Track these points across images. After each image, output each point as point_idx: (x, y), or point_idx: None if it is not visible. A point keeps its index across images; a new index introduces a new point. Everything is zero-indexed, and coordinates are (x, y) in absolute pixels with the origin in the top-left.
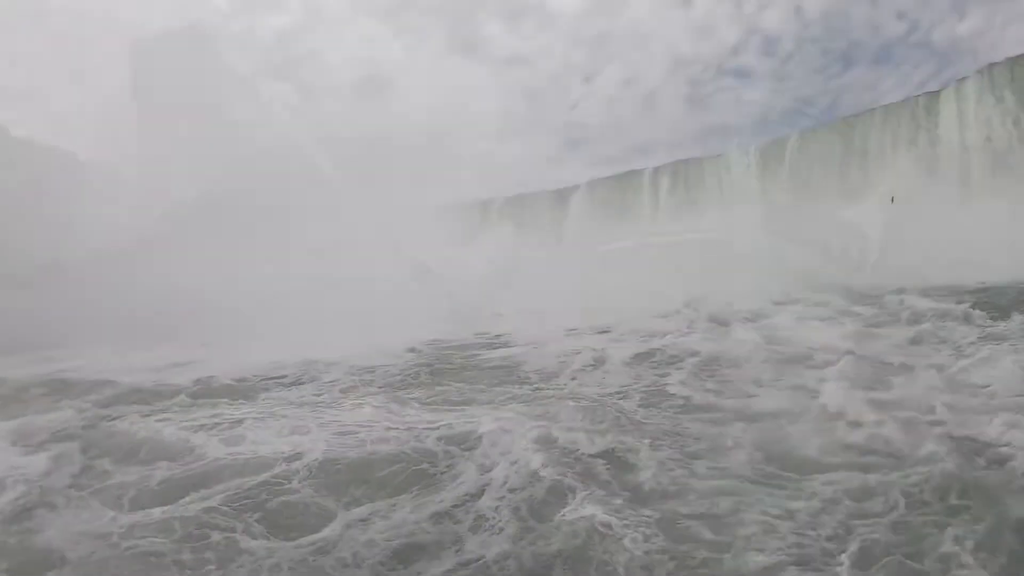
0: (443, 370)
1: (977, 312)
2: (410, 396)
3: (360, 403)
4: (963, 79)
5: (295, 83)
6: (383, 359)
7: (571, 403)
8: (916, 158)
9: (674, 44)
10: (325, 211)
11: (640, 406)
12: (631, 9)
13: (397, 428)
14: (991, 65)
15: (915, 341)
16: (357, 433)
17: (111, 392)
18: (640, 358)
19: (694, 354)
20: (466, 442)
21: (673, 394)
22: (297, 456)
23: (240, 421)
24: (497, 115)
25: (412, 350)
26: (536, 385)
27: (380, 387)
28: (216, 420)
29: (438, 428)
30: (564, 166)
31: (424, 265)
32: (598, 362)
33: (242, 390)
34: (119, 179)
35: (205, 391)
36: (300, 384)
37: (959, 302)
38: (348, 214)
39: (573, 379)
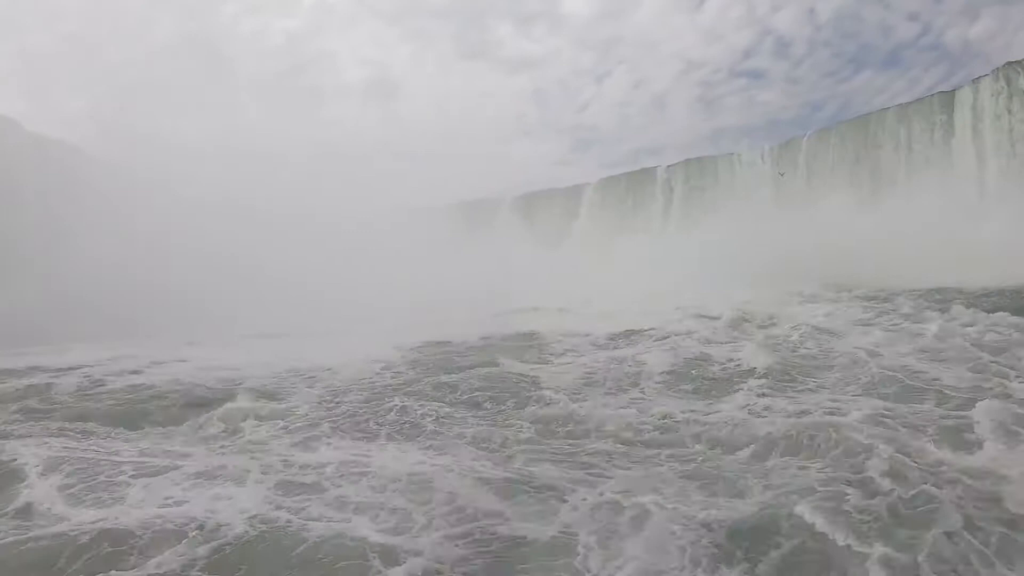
0: None
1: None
2: None
3: None
4: (980, 78)
5: (304, 86)
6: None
7: None
8: (931, 157)
9: (685, 47)
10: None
11: None
12: (641, 12)
13: None
14: (1008, 64)
15: None
16: None
17: None
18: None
19: None
20: None
21: None
22: None
23: None
24: (506, 117)
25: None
26: None
27: None
28: None
29: None
30: (574, 168)
31: None
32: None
33: None
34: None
35: None
36: None
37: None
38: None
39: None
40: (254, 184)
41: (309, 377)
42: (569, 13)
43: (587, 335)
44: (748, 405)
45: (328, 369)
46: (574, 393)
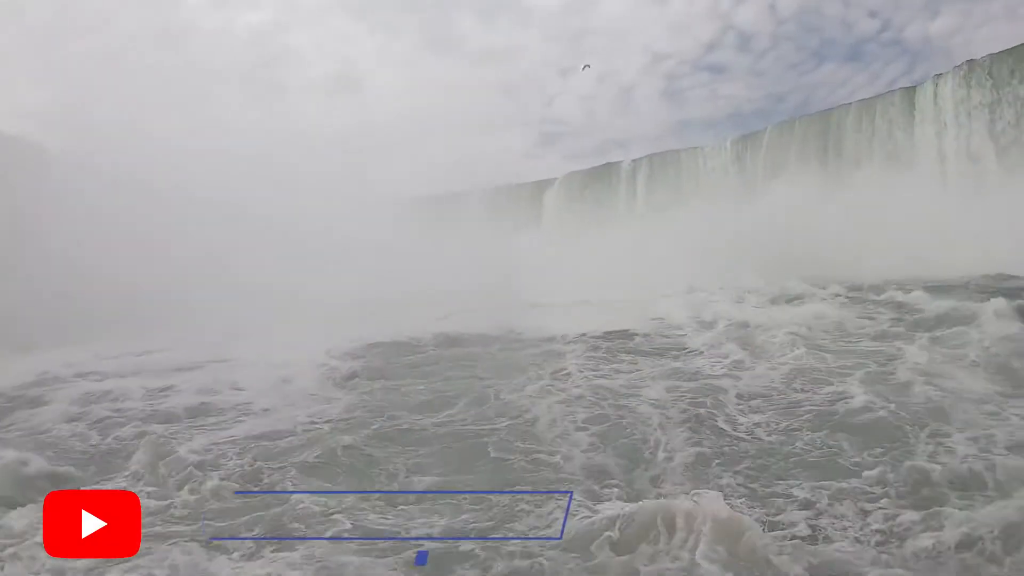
0: None
1: None
2: None
3: None
4: (941, 74)
5: (269, 80)
6: None
7: None
8: (891, 152)
9: (651, 40)
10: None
11: None
12: (608, 4)
13: None
14: (970, 61)
15: None
16: None
17: None
18: None
19: None
20: None
21: None
22: None
23: None
24: (473, 111)
25: None
26: None
27: None
28: None
29: None
30: (541, 161)
31: None
32: None
33: None
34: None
35: None
36: None
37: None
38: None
39: None
40: (222, 179)
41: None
42: (535, 6)
43: (569, 336)
44: None
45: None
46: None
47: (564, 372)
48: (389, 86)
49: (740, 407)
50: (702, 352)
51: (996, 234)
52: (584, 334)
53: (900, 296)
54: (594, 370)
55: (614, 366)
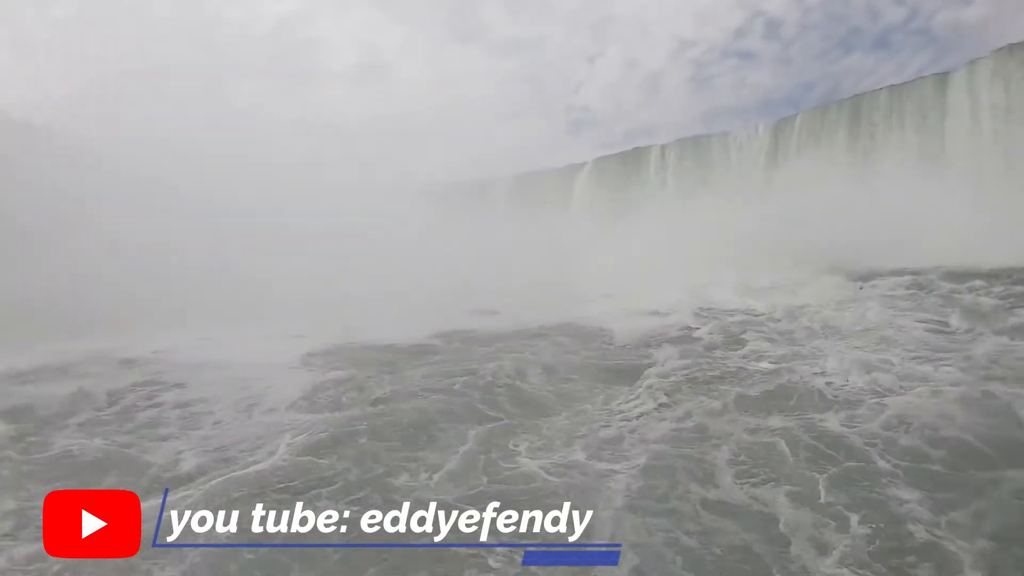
0: None
1: None
2: None
3: None
4: (977, 60)
5: (295, 69)
6: None
7: None
8: (924, 139)
9: (677, 27)
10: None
11: None
12: None
13: None
14: (1009, 46)
15: None
16: None
17: None
18: None
19: None
20: None
21: None
22: None
23: None
24: (497, 99)
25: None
26: None
27: None
28: None
29: None
30: (567, 149)
31: None
32: None
33: None
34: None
35: None
36: None
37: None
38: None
39: None
40: (245, 171)
41: None
42: None
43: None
44: None
45: None
46: None
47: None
48: (414, 76)
49: None
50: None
51: None
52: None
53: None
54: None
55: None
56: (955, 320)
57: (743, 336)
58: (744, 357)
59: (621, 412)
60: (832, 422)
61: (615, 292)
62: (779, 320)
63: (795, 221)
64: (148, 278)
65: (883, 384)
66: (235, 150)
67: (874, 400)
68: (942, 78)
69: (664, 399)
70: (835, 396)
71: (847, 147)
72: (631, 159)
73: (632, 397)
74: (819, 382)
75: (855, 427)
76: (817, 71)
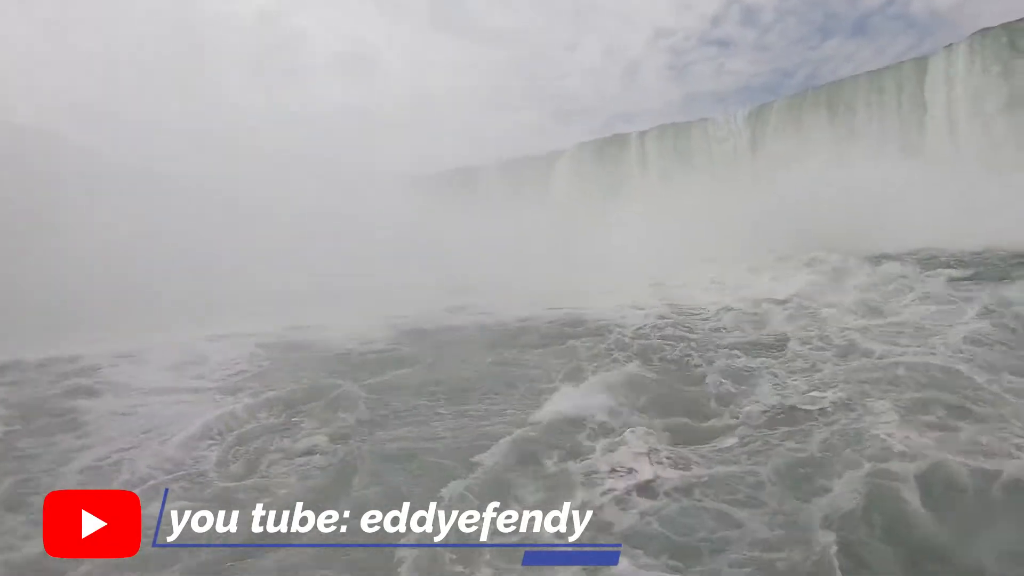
0: None
1: None
2: None
3: None
4: (952, 44)
5: (278, 60)
6: None
7: None
8: (903, 123)
9: (656, 15)
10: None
11: None
12: None
13: None
14: (984, 31)
15: None
16: None
17: None
18: None
19: None
20: None
21: None
22: None
23: None
24: (483, 89)
25: None
26: None
27: None
28: None
29: None
30: (552, 137)
31: None
32: None
33: None
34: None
35: None
36: None
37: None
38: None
39: None
40: (235, 164)
41: None
42: None
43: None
44: None
45: None
46: None
47: None
48: (398, 66)
49: None
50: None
51: (1012, 208)
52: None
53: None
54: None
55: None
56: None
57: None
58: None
59: None
60: None
61: (592, 285)
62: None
63: (775, 207)
64: (125, 276)
65: None
66: (219, 142)
67: None
68: (920, 63)
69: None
70: None
71: (827, 133)
72: (611, 145)
73: None
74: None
75: None
76: (795, 57)
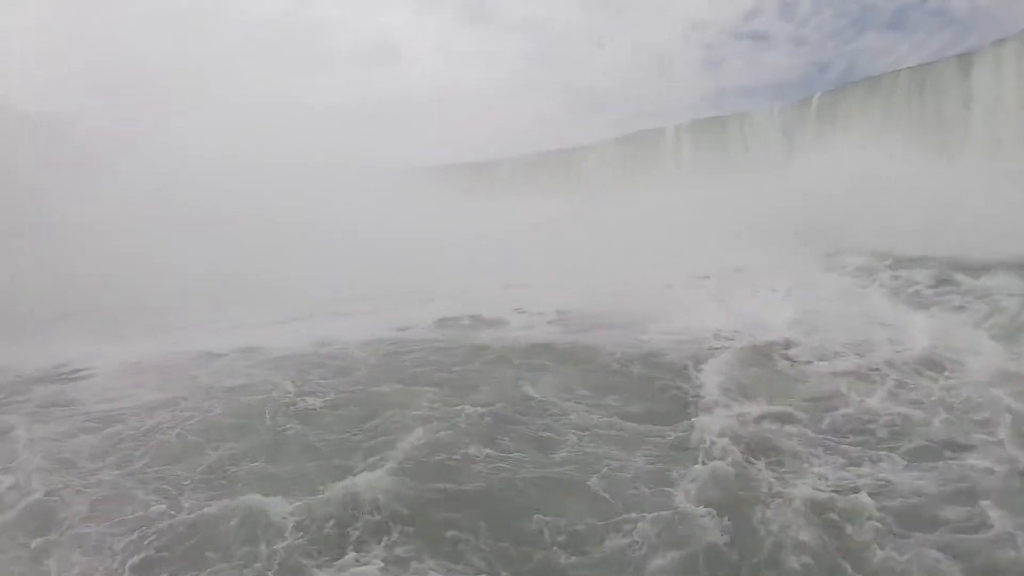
0: None
1: None
2: None
3: None
4: (1003, 40)
5: (302, 51)
6: None
7: None
8: (946, 122)
9: (688, 9)
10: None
11: None
12: None
13: None
14: None
15: None
16: None
17: None
18: None
19: None
20: None
21: None
22: None
23: None
24: (508, 81)
25: None
26: None
27: None
28: None
29: None
30: (577, 129)
31: None
32: None
33: None
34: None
35: None
36: None
37: None
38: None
39: None
40: (255, 153)
41: None
42: None
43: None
44: None
45: None
46: None
47: None
48: (425, 56)
49: None
50: None
51: None
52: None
53: None
54: None
55: None
56: None
57: None
58: None
59: None
60: None
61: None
62: None
63: (812, 206)
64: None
65: None
66: (240, 135)
67: None
68: (965, 58)
69: None
70: None
71: (866, 130)
72: (644, 140)
73: None
74: None
75: None
76: (831, 51)
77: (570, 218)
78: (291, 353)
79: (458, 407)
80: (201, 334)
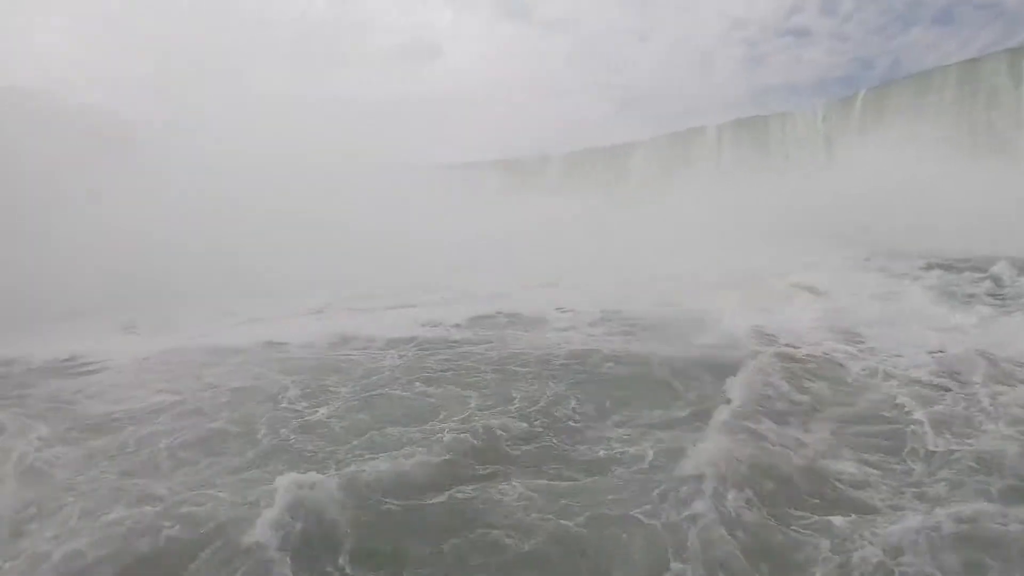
0: None
1: None
2: None
3: None
4: None
5: (346, 49)
6: None
7: None
8: (995, 119)
9: (728, 5)
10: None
11: None
12: None
13: None
14: None
15: None
16: None
17: None
18: None
19: None
20: None
21: None
22: None
23: None
24: (547, 77)
25: None
26: None
27: None
28: None
29: None
30: (617, 127)
31: None
32: None
33: None
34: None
35: None
36: None
37: None
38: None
39: None
40: (295, 148)
41: None
42: None
43: None
44: None
45: None
46: None
47: None
48: (464, 53)
49: None
50: None
51: None
52: None
53: None
54: None
55: None
56: None
57: None
58: None
59: None
60: None
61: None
62: None
63: (855, 206)
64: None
65: None
66: (279, 131)
67: None
68: (1018, 53)
69: None
70: None
71: (912, 128)
72: (686, 138)
73: None
74: None
75: None
76: (875, 47)
77: (608, 216)
78: (308, 354)
79: (479, 422)
80: (220, 329)
